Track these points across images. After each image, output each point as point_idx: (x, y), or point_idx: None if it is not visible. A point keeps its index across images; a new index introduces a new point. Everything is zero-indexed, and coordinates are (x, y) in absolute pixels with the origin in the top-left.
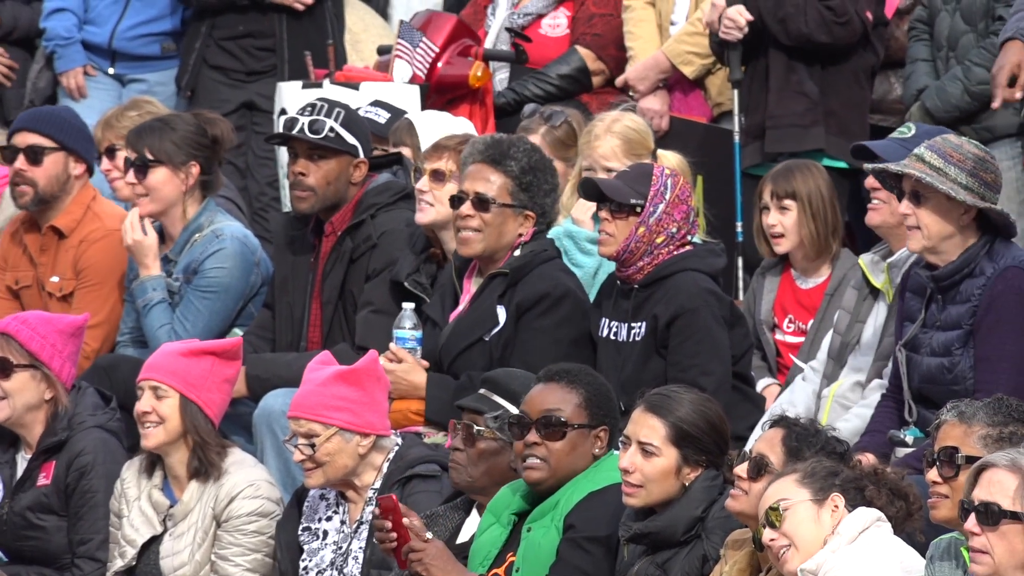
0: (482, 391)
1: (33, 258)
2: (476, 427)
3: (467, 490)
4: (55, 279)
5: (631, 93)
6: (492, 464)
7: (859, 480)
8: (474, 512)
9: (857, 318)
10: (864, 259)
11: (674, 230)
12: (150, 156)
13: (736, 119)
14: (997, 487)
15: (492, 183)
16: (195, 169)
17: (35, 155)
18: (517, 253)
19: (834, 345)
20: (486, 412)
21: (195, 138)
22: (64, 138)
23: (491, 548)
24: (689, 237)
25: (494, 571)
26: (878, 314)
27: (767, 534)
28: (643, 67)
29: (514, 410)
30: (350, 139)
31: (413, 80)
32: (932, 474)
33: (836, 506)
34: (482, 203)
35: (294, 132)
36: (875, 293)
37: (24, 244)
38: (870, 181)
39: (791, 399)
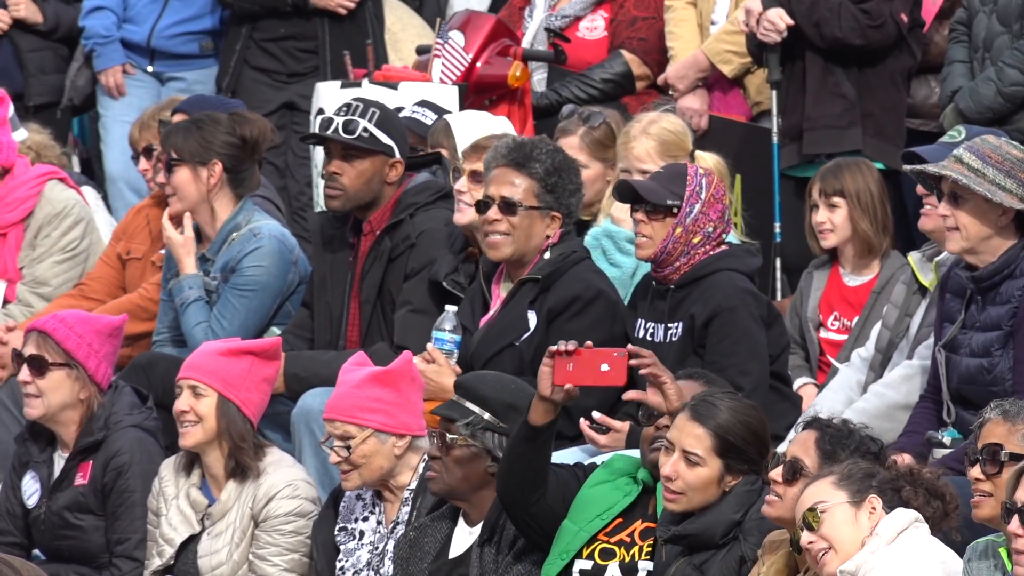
0: (454, 397)
1: (153, 234)
2: (449, 435)
3: (448, 497)
4: (164, 251)
5: (671, 92)
6: (469, 470)
7: (895, 481)
8: (461, 522)
9: (906, 312)
10: (913, 256)
11: (710, 230)
12: (174, 155)
13: (774, 120)
14: None
15: (517, 186)
16: (217, 168)
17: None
18: (547, 256)
19: (882, 339)
20: (458, 419)
21: (222, 137)
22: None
23: (611, 505)
24: (724, 236)
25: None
26: (924, 311)
27: (805, 537)
28: (682, 66)
29: (486, 415)
30: (384, 139)
31: (443, 80)
32: (975, 471)
33: (874, 508)
34: (509, 207)
35: (328, 132)
36: (923, 291)
37: (148, 219)
38: (921, 188)
39: (831, 386)
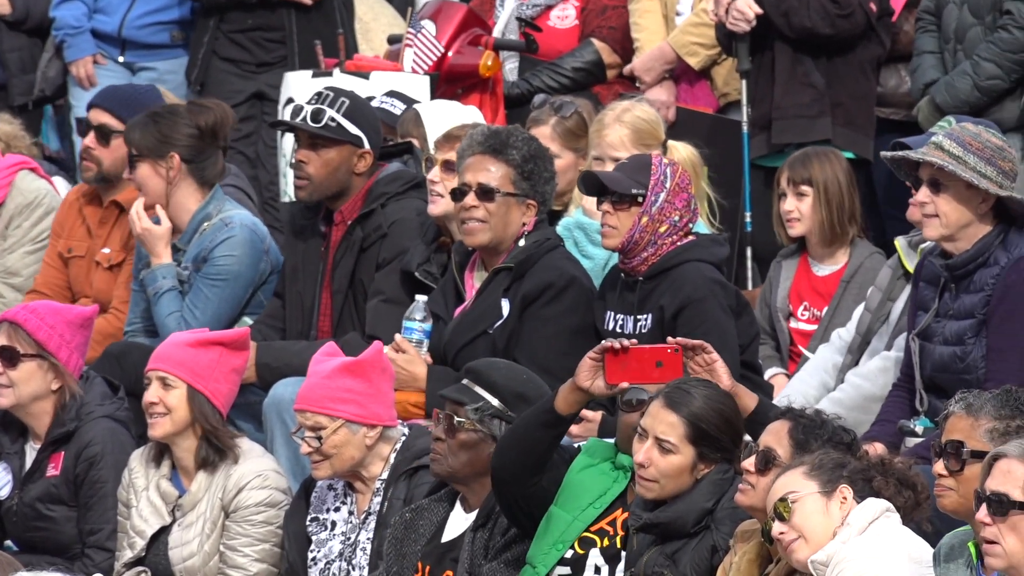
0: (464, 382)
1: (91, 229)
2: (457, 418)
3: (448, 480)
4: (106, 250)
5: (637, 84)
6: (473, 455)
7: (866, 471)
8: (458, 506)
9: (889, 296)
10: (900, 242)
11: (676, 218)
12: (135, 152)
13: (744, 110)
14: (1009, 477)
15: (494, 173)
16: (175, 160)
17: (104, 135)
18: (521, 243)
19: (863, 322)
20: (467, 403)
21: (180, 129)
22: (134, 113)
23: (602, 494)
24: (691, 226)
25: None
26: (906, 296)
27: (776, 527)
28: (649, 57)
29: (495, 402)
30: (353, 129)
31: (414, 70)
32: (938, 466)
33: (844, 497)
34: (486, 193)
35: (297, 120)
36: (908, 276)
37: (84, 215)
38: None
39: (806, 368)
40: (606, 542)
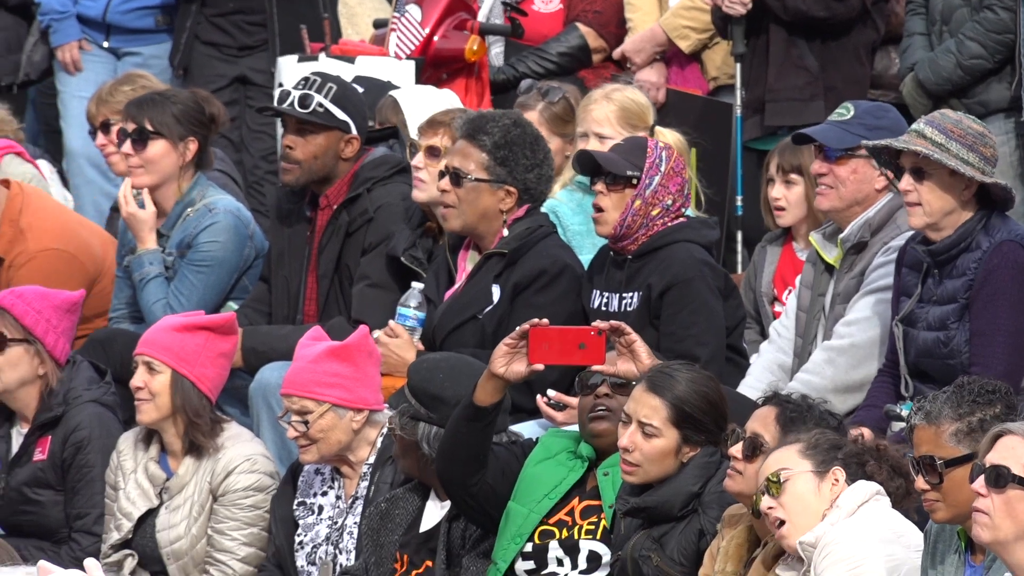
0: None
1: None
2: (388, 426)
3: (414, 477)
4: None
5: (628, 65)
6: (414, 458)
7: (861, 455)
8: (433, 496)
9: (818, 292)
10: (814, 236)
11: (669, 202)
12: (150, 128)
13: (738, 93)
14: (1012, 453)
15: (468, 158)
16: (193, 145)
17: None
18: (505, 232)
19: (800, 323)
20: (397, 410)
21: (194, 114)
22: None
23: (557, 484)
24: (683, 210)
25: (570, 506)
26: (831, 288)
27: (765, 501)
28: (640, 39)
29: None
30: (340, 115)
31: (398, 55)
32: (920, 483)
33: (836, 480)
34: (456, 178)
35: (284, 106)
36: (830, 269)
37: None
38: (816, 167)
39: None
40: (564, 533)
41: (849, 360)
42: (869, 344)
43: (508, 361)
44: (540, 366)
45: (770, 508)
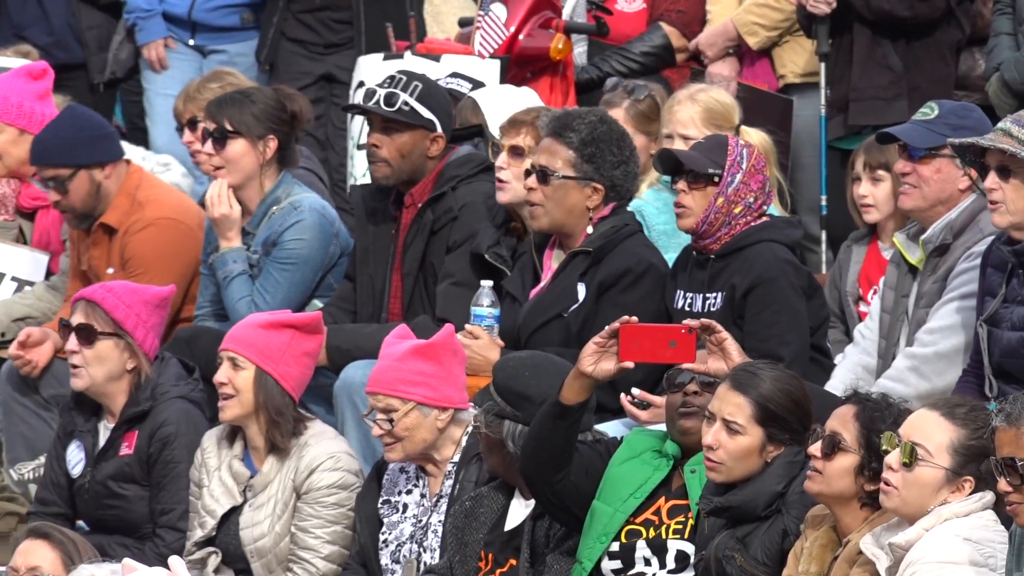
0: (490, 386)
1: (80, 255)
2: (474, 424)
3: (499, 476)
4: (111, 270)
5: (702, 58)
6: (500, 456)
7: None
8: (517, 495)
9: (902, 294)
10: (898, 237)
11: (751, 200)
12: (229, 127)
13: (822, 92)
14: None
15: (555, 155)
16: (273, 143)
17: (60, 184)
18: (590, 230)
19: (884, 324)
20: (482, 408)
21: (275, 112)
22: (76, 159)
23: (643, 483)
24: (765, 208)
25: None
26: (914, 290)
27: (893, 459)
28: (712, 33)
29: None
30: (425, 113)
31: (481, 54)
32: (1002, 484)
33: (962, 488)
34: (543, 176)
35: (370, 104)
36: (913, 271)
37: (76, 240)
38: (900, 166)
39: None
40: (651, 533)
41: (933, 368)
42: (952, 352)
43: (597, 360)
44: (629, 364)
45: (892, 472)
